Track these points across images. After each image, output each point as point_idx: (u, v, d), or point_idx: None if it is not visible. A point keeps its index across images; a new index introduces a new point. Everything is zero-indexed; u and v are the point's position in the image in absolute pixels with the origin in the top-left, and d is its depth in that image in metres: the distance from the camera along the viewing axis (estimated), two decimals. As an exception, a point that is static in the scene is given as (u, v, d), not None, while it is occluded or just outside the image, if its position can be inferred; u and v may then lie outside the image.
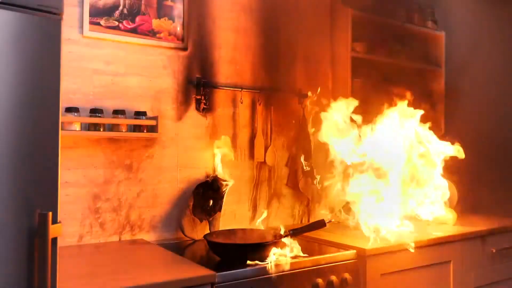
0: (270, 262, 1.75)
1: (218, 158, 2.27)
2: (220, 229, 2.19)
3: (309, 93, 2.56)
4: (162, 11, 2.25)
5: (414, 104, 2.52)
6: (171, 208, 2.23)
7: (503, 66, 3.51)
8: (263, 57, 2.56)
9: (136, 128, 2.10)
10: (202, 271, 1.63)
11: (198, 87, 2.32)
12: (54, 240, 1.17)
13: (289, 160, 2.64)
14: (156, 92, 2.22)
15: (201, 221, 2.21)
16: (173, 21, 2.27)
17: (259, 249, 1.80)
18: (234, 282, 1.64)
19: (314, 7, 2.77)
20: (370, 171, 2.22)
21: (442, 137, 3.21)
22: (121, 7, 2.13)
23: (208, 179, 2.29)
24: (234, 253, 1.81)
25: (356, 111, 2.30)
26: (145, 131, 2.11)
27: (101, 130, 2.01)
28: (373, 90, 2.80)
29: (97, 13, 2.07)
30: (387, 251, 2.08)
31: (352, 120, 2.29)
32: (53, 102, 1.20)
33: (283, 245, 1.87)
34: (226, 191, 2.27)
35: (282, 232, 1.96)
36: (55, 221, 1.17)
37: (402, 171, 2.30)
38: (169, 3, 2.27)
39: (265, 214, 2.18)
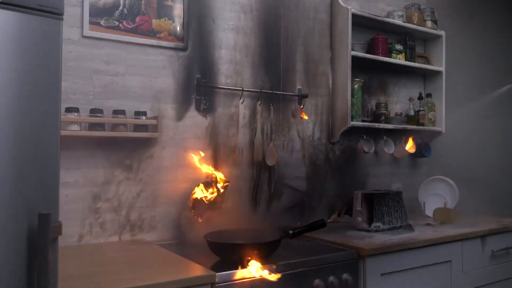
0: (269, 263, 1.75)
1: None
2: (220, 229, 2.19)
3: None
4: (162, 11, 2.25)
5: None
6: (171, 208, 2.23)
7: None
8: (263, 57, 2.56)
9: (136, 128, 2.10)
10: (202, 271, 1.63)
11: (198, 87, 2.32)
12: (54, 240, 1.17)
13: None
14: (156, 92, 2.22)
15: (201, 221, 2.20)
16: (173, 21, 2.27)
17: (259, 249, 1.80)
18: (234, 282, 1.64)
19: (314, 7, 2.77)
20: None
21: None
22: (121, 7, 2.13)
23: (208, 179, 2.29)
24: (234, 253, 1.81)
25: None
26: (145, 131, 2.11)
27: (101, 130, 2.01)
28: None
29: (97, 13, 2.07)
30: (387, 251, 2.08)
31: None
32: (53, 102, 1.20)
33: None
34: (226, 191, 2.27)
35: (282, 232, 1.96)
36: (55, 221, 1.17)
37: None
38: (169, 3, 2.27)
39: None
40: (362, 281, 2.00)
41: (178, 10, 2.29)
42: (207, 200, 2.18)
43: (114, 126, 2.05)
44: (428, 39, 3.26)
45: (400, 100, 3.18)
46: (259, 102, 2.49)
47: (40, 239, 1.11)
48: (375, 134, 2.94)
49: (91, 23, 2.05)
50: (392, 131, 2.97)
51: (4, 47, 1.11)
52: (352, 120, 2.72)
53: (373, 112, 3.01)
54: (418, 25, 3.07)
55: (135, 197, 2.14)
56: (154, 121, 2.12)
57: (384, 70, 3.07)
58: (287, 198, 2.62)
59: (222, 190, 2.23)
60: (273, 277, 1.68)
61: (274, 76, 2.59)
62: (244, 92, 2.42)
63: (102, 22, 2.08)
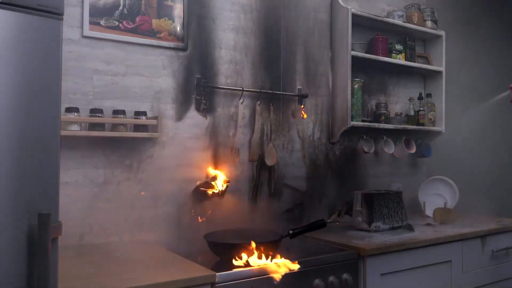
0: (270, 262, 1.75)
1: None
2: (220, 229, 2.19)
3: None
4: (162, 11, 2.25)
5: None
6: (171, 208, 2.23)
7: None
8: (263, 57, 2.56)
9: (136, 128, 2.10)
10: (202, 271, 1.63)
11: (198, 87, 2.32)
12: (54, 240, 1.17)
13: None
14: (156, 92, 2.22)
15: (201, 221, 2.21)
16: (173, 21, 2.27)
17: (259, 249, 1.80)
18: (234, 282, 1.65)
19: (314, 7, 2.77)
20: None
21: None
22: (121, 7, 2.13)
23: (208, 179, 2.29)
24: (234, 253, 1.81)
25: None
26: (145, 131, 2.11)
27: (101, 130, 2.01)
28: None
29: (97, 13, 2.07)
30: (387, 251, 2.08)
31: None
32: (53, 102, 1.20)
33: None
34: (226, 191, 2.27)
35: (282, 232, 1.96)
36: (55, 221, 1.17)
37: None
38: (169, 3, 2.27)
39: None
40: (362, 281, 2.01)
41: (178, 10, 2.29)
42: (212, 193, 2.20)
43: (114, 126, 2.05)
44: (428, 39, 3.26)
45: (400, 100, 3.18)
46: (259, 102, 2.49)
47: (40, 239, 1.11)
48: (375, 134, 2.94)
49: (91, 23, 2.05)
50: (392, 131, 2.97)
51: (4, 47, 1.11)
52: (352, 120, 2.72)
53: (373, 112, 3.01)
54: (418, 25, 3.07)
55: (135, 197, 2.14)
56: (154, 121, 2.12)
57: (384, 70, 3.07)
58: (287, 198, 2.62)
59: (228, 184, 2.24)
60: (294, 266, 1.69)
61: (274, 76, 2.59)
62: (244, 92, 2.42)
63: (102, 22, 2.08)
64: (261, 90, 2.49)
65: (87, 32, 2.04)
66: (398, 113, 3.08)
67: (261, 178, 2.52)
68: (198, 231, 2.18)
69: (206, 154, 2.33)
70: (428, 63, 3.21)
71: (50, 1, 1.19)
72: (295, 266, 1.79)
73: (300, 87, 2.68)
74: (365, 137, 2.89)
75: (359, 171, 2.95)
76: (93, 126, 1.99)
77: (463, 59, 3.49)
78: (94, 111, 1.99)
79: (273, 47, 2.60)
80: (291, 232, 1.94)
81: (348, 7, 2.72)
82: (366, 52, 2.88)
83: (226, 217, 2.33)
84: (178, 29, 2.28)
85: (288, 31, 2.66)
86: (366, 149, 2.86)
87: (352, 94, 2.75)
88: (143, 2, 2.19)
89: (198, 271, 1.63)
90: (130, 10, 2.15)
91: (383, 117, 2.94)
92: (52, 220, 1.13)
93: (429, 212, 2.85)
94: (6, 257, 1.10)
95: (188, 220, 2.23)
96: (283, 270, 1.74)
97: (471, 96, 3.41)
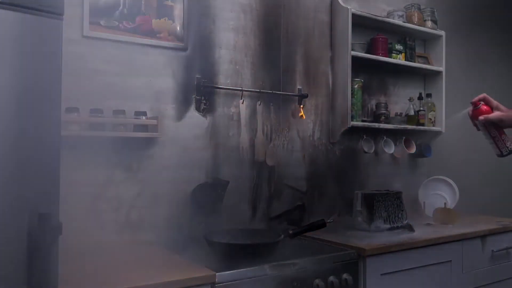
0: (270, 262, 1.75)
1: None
2: (220, 229, 2.19)
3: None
4: (162, 11, 2.24)
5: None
6: (171, 208, 2.23)
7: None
8: (263, 57, 2.56)
9: (136, 128, 2.10)
10: (202, 271, 1.63)
11: (198, 87, 2.32)
12: (54, 240, 1.17)
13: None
14: (156, 92, 2.22)
15: (201, 221, 2.21)
16: (173, 21, 2.27)
17: (259, 249, 1.80)
18: (234, 282, 1.65)
19: (314, 7, 2.77)
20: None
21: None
22: (121, 7, 2.13)
23: (208, 179, 2.29)
24: (234, 253, 1.81)
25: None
26: (145, 131, 2.11)
27: (101, 130, 2.01)
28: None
29: (97, 13, 2.07)
30: (387, 251, 2.08)
31: None
32: (53, 102, 1.20)
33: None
34: (226, 191, 2.27)
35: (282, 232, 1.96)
36: (55, 221, 1.17)
37: None
38: (169, 3, 2.26)
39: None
40: (362, 281, 2.01)
41: (178, 10, 2.29)
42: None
43: (114, 126, 2.05)
44: (428, 39, 3.26)
45: (400, 100, 3.18)
46: (259, 102, 2.49)
47: (40, 239, 1.11)
48: (375, 134, 2.94)
49: (91, 23, 2.05)
50: (392, 131, 2.97)
51: (4, 47, 1.12)
52: (352, 120, 2.72)
53: (373, 112, 3.01)
54: (418, 25, 3.07)
55: (135, 197, 2.14)
56: (154, 121, 2.12)
57: (384, 70, 3.06)
58: (287, 198, 2.61)
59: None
60: None
61: (274, 76, 2.59)
62: (244, 92, 2.42)
63: (102, 22, 2.08)
64: (261, 90, 2.49)
65: (87, 32, 2.04)
66: (398, 113, 3.08)
67: (261, 178, 2.52)
68: (198, 231, 2.18)
69: (206, 154, 2.33)
70: (428, 63, 3.21)
71: (50, 1, 1.19)
72: (295, 266, 1.79)
73: (300, 87, 2.69)
74: (365, 137, 2.89)
75: (359, 171, 2.95)
76: (93, 126, 1.99)
77: (463, 59, 3.50)
78: (94, 111, 1.99)
79: (273, 47, 2.60)
80: (291, 232, 1.94)
81: (348, 7, 2.72)
82: (366, 52, 2.87)
83: (226, 217, 2.33)
84: (178, 29, 2.28)
85: (288, 31, 2.65)
86: (366, 149, 2.86)
87: (352, 94, 2.75)
88: (143, 2, 2.19)
89: (198, 271, 1.63)
90: (130, 10, 2.15)
91: (383, 117, 2.94)
92: (52, 220, 1.14)
93: (429, 212, 2.85)
94: (6, 258, 1.10)
95: (188, 220, 2.23)
96: (283, 270, 1.74)
97: (471, 96, 3.41)
